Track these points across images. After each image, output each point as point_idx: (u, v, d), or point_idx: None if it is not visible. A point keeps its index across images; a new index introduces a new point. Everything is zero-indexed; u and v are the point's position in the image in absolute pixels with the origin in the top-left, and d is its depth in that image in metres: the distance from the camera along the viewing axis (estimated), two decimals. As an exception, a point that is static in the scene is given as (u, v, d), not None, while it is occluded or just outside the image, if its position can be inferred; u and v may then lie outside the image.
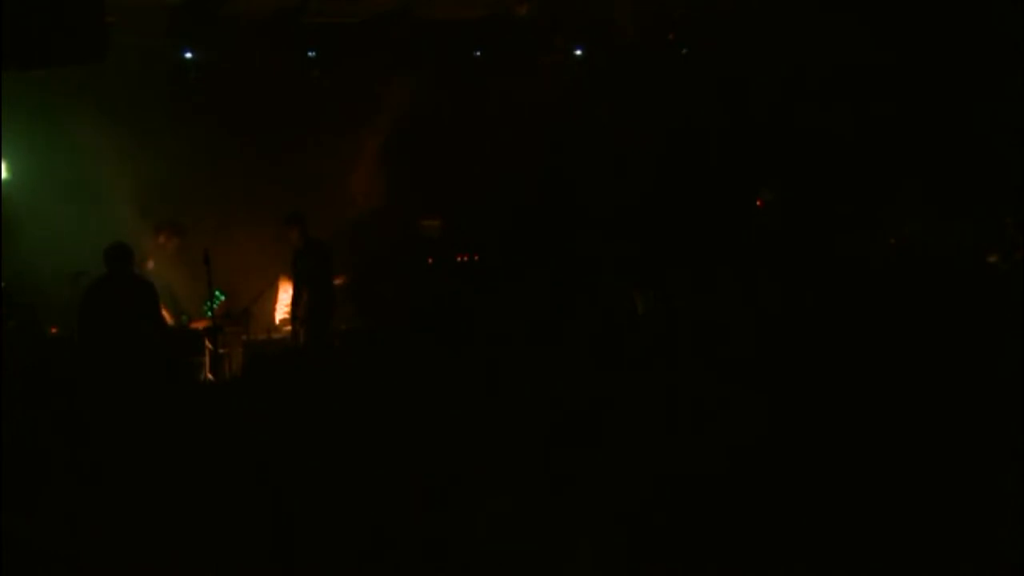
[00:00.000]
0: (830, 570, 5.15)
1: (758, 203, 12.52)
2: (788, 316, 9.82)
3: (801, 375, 8.16)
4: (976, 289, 9.79)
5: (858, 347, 8.71)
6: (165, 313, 9.77)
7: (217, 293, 10.23)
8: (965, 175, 11.85)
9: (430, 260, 12.58)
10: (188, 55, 11.60)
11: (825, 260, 11.19)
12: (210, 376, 10.11)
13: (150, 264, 10.42)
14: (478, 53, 12.85)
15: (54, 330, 10.06)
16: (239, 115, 11.86)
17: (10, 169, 10.92)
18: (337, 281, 11.10)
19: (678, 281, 11.28)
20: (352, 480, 6.10)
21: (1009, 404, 6.59)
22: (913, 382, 7.51)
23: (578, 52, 13.09)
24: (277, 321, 11.55)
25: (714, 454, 6.26)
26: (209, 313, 10.22)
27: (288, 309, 11.07)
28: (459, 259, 12.72)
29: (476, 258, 12.72)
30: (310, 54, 12.21)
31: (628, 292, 11.45)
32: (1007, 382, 6.98)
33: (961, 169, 11.89)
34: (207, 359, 10.14)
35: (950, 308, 9.11)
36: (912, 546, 5.25)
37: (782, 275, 10.60)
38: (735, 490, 5.85)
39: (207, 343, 10.13)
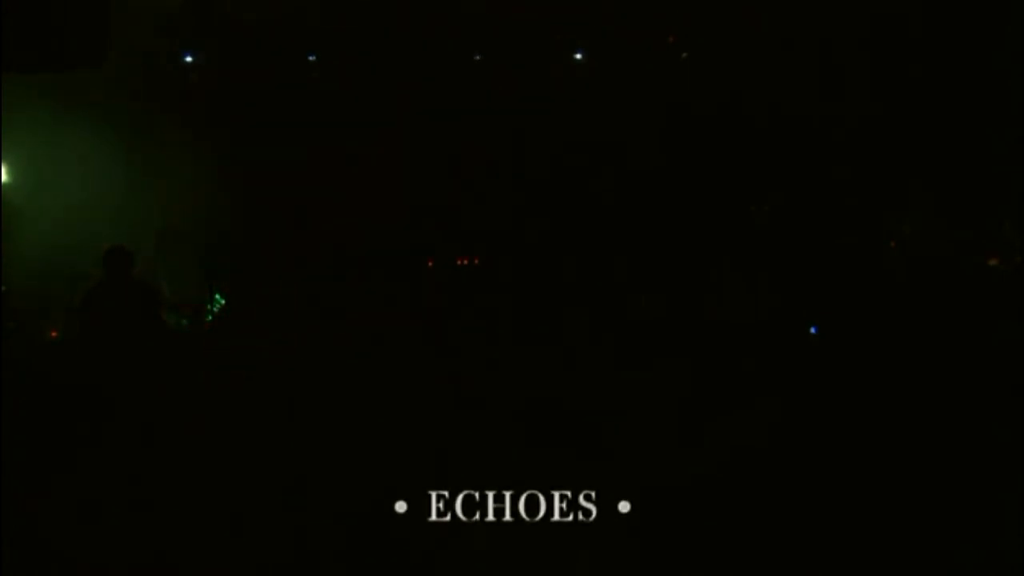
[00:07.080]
0: (830, 571, 5.16)
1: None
2: (788, 317, 9.83)
3: (801, 375, 8.16)
4: (976, 290, 9.79)
5: (859, 347, 8.72)
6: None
7: (217, 296, 10.23)
8: (965, 175, 11.83)
9: (430, 262, 12.56)
10: (188, 58, 11.59)
11: (825, 261, 11.18)
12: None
13: (158, 270, 10.44)
14: (478, 56, 12.84)
15: (54, 333, 10.04)
16: (239, 117, 11.86)
17: (10, 173, 10.92)
18: (341, 283, 11.09)
19: (678, 281, 11.27)
20: (351, 480, 6.09)
21: (1009, 405, 6.60)
22: (913, 382, 7.52)
23: (578, 56, 13.06)
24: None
25: (715, 455, 6.26)
26: (209, 316, 10.22)
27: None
28: (459, 262, 12.70)
29: (476, 260, 12.70)
30: (310, 57, 12.21)
31: (629, 292, 11.43)
32: (1007, 383, 6.99)
33: (961, 169, 11.87)
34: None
35: (950, 309, 9.11)
36: (912, 546, 5.25)
37: (782, 276, 10.59)
38: (736, 492, 5.85)
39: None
